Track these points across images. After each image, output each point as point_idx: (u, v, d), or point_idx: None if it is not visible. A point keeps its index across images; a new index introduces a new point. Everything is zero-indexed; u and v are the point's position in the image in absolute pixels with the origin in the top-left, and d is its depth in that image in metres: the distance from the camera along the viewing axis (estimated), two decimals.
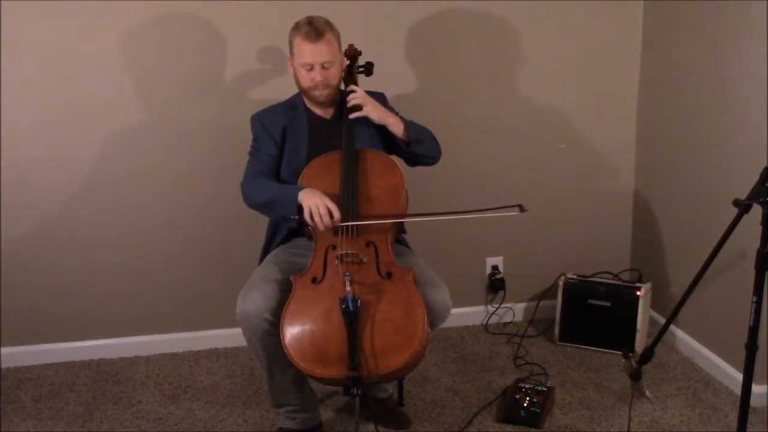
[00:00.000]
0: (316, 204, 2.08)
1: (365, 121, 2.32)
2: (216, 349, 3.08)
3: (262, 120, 2.37)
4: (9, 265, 2.89)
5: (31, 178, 2.83)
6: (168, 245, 2.98)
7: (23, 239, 2.87)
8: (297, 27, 2.26)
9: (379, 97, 2.42)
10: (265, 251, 2.45)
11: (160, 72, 2.83)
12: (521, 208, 2.13)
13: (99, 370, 2.94)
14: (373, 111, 2.30)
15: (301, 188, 2.16)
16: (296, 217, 2.12)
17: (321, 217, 2.07)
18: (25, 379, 2.87)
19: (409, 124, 2.35)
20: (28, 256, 2.90)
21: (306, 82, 2.28)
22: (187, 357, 3.04)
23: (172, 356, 3.04)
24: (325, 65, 2.25)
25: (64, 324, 2.99)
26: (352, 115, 2.29)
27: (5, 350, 2.96)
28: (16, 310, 2.93)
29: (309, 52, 2.22)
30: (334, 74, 2.29)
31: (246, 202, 2.28)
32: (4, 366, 2.95)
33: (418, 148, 2.33)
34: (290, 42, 2.28)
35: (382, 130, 2.34)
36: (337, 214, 2.09)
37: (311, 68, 2.25)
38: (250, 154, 2.37)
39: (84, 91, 2.78)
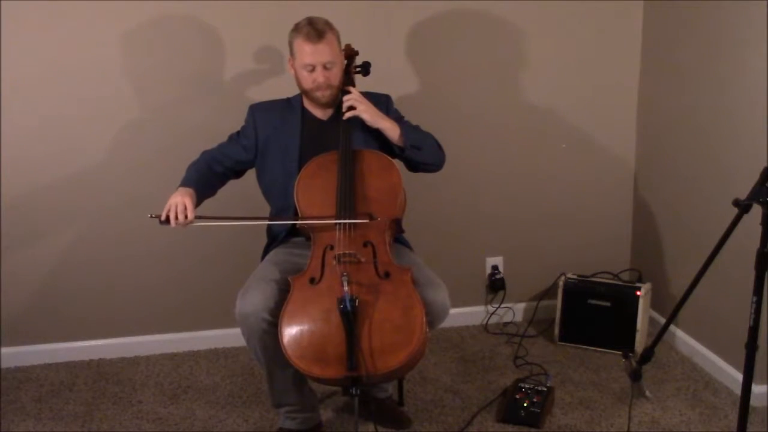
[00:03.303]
0: (176, 202, 2.15)
1: (362, 123, 2.31)
2: (216, 349, 3.09)
3: (255, 113, 2.40)
4: (9, 264, 2.89)
5: (31, 177, 2.83)
6: (168, 245, 2.98)
7: (23, 239, 2.88)
8: (297, 28, 2.25)
9: (381, 99, 2.41)
10: (267, 251, 2.45)
11: (159, 72, 2.83)
12: (370, 217, 2.16)
13: (99, 370, 2.95)
14: (366, 112, 2.29)
15: (182, 187, 2.23)
16: (154, 216, 2.16)
17: (175, 215, 2.13)
18: (25, 379, 2.88)
19: (407, 130, 2.33)
20: (28, 255, 2.90)
21: (308, 84, 2.28)
22: (187, 357, 3.04)
23: (172, 356, 3.04)
24: (327, 66, 2.24)
25: (64, 324, 3.00)
26: (345, 115, 2.29)
27: (5, 350, 2.96)
28: (16, 310, 2.94)
29: (310, 52, 2.22)
30: (336, 74, 2.29)
31: None
32: (4, 366, 2.95)
33: (414, 154, 2.31)
34: (290, 43, 2.28)
35: (378, 135, 2.34)
36: (190, 216, 2.14)
37: (313, 69, 2.24)
38: (230, 135, 2.44)
39: (82, 91, 2.78)
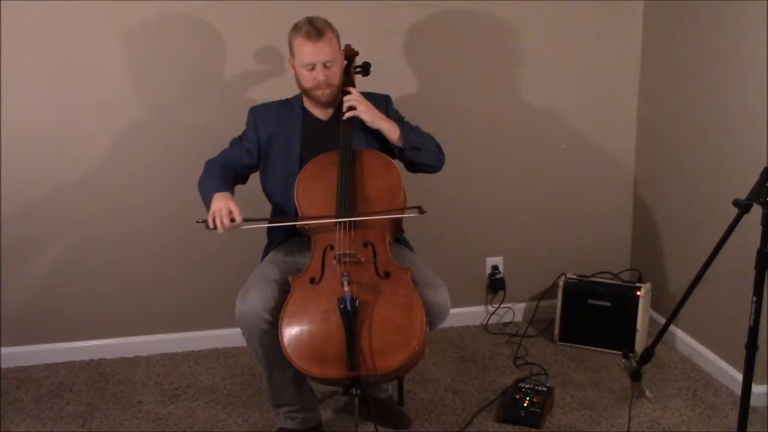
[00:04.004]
0: (219, 207, 2.14)
1: (362, 124, 2.31)
2: (216, 349, 3.09)
3: (255, 115, 2.40)
4: (9, 264, 2.89)
5: (31, 177, 2.83)
6: (168, 245, 2.99)
7: (23, 239, 2.88)
8: (297, 27, 2.26)
9: (381, 99, 2.41)
10: (267, 251, 2.45)
11: (159, 72, 2.83)
12: (420, 210, 2.15)
13: (99, 370, 2.95)
14: (365, 112, 2.29)
15: (218, 192, 2.21)
16: (201, 221, 2.16)
17: (221, 220, 2.11)
18: (25, 379, 2.88)
19: (406, 131, 2.33)
20: (28, 255, 2.91)
21: (308, 83, 2.28)
22: (187, 357, 3.04)
23: (172, 356, 3.04)
24: (327, 64, 2.24)
25: (64, 324, 2.99)
26: (345, 115, 2.29)
27: (5, 350, 2.96)
28: (16, 310, 2.94)
29: (310, 51, 2.22)
30: (336, 73, 2.29)
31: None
32: (4, 366, 2.95)
33: (414, 155, 2.31)
34: (290, 43, 2.28)
35: (378, 135, 2.34)
36: (238, 219, 2.13)
37: (313, 68, 2.25)
38: (232, 141, 2.42)
39: (83, 91, 2.78)
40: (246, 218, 2.17)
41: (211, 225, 2.14)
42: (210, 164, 2.38)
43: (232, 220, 2.13)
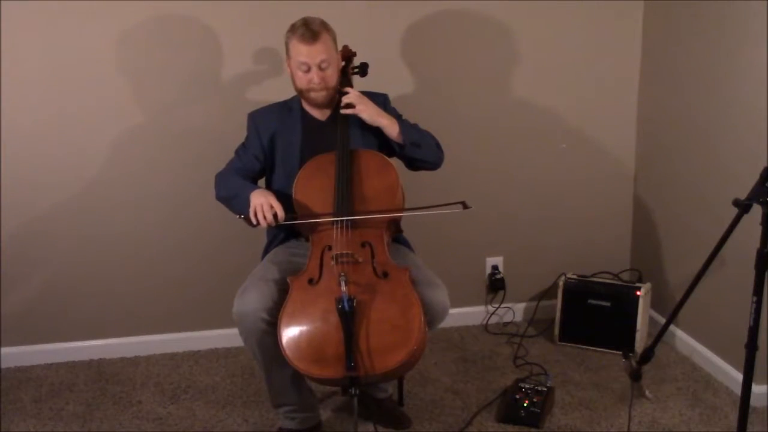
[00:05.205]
0: (260, 203, 2.14)
1: (361, 122, 2.31)
2: (216, 349, 3.09)
3: (255, 120, 2.40)
4: (9, 264, 2.89)
5: (31, 178, 2.83)
6: (168, 245, 2.99)
7: (23, 239, 2.88)
8: (293, 28, 2.26)
9: (379, 98, 2.41)
10: (266, 251, 2.45)
11: (158, 73, 2.83)
12: (464, 205, 2.15)
13: (99, 370, 2.95)
14: (364, 110, 2.29)
15: (255, 188, 2.21)
16: (242, 216, 2.17)
17: (264, 215, 2.11)
18: (25, 379, 2.88)
19: (406, 127, 2.33)
20: (28, 256, 2.91)
21: (303, 84, 2.28)
22: (187, 357, 3.04)
23: (172, 356, 3.04)
24: (322, 65, 2.24)
25: (64, 324, 2.99)
26: (343, 112, 2.29)
27: (5, 350, 2.96)
28: (16, 310, 2.94)
29: (306, 52, 2.22)
30: (332, 75, 2.29)
31: (215, 192, 2.36)
32: (4, 366, 2.95)
33: (414, 152, 2.31)
34: (286, 44, 2.28)
35: (378, 133, 2.34)
36: (281, 213, 2.14)
37: (308, 69, 2.24)
38: (237, 150, 2.42)
39: (82, 91, 2.78)
40: (289, 215, 2.17)
41: (254, 221, 2.14)
42: (224, 175, 2.37)
43: (274, 215, 2.13)
